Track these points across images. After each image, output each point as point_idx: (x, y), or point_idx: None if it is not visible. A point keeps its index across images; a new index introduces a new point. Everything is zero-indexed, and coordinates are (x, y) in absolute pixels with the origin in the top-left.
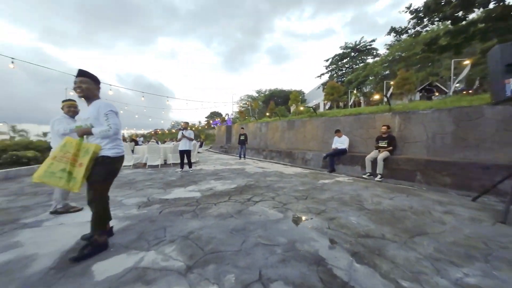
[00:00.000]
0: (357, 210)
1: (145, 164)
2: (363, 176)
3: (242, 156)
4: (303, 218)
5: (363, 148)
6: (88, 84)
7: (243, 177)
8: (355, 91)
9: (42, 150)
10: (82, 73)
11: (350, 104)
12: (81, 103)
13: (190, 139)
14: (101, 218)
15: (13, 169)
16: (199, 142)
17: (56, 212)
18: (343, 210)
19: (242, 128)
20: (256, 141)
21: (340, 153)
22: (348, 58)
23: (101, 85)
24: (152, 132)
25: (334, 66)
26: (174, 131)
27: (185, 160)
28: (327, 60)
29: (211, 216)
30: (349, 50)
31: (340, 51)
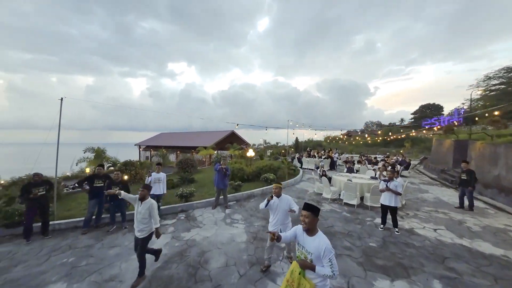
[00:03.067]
0: None
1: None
2: None
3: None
4: None
5: None
6: (311, 218)
7: None
8: None
9: None
10: (308, 207)
11: None
12: None
13: (397, 193)
14: None
15: None
16: (401, 165)
17: None
18: None
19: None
20: None
21: None
22: None
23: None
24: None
25: None
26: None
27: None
28: None
29: None
30: None
31: None
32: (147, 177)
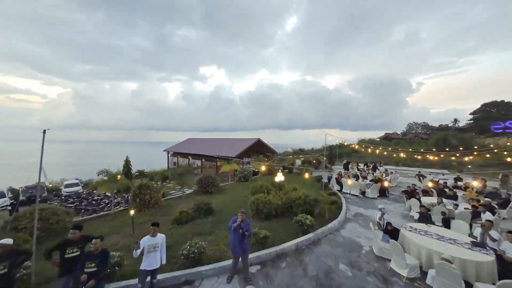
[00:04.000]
0: None
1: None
2: None
3: None
4: None
5: None
6: None
7: None
8: None
9: None
10: None
11: None
12: None
13: None
14: None
15: None
16: (492, 199)
17: None
18: None
19: None
20: None
21: None
22: None
23: None
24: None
25: None
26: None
27: None
28: None
29: None
30: None
31: None
32: (134, 250)
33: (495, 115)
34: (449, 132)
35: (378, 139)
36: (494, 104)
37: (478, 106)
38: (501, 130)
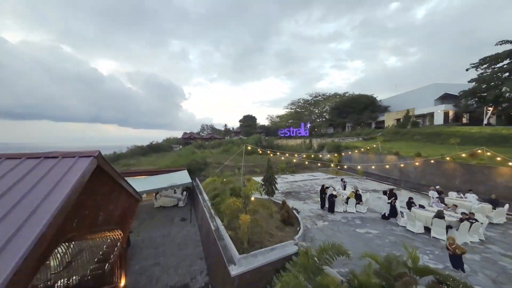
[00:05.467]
0: None
1: None
2: None
3: None
4: None
5: None
6: None
7: None
8: None
9: None
10: None
11: None
12: None
13: None
14: None
15: None
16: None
17: None
18: None
19: None
20: None
21: None
22: None
23: None
24: None
25: None
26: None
27: None
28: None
29: None
30: None
31: None
32: None
33: (251, 123)
34: (260, 135)
35: (182, 139)
36: (248, 117)
37: (236, 117)
38: (283, 135)
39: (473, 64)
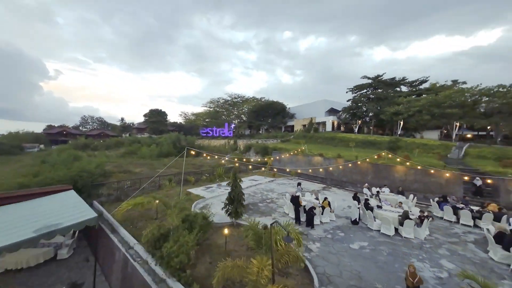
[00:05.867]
0: None
1: None
2: None
3: None
4: None
5: None
6: None
7: None
8: None
9: None
10: None
11: None
12: None
13: None
14: None
15: None
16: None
17: None
18: None
19: None
20: None
21: None
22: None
23: None
24: None
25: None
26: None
27: None
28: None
29: None
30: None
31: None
32: None
33: (161, 119)
34: (178, 134)
35: (45, 134)
36: (156, 111)
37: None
38: (205, 134)
39: (349, 88)
